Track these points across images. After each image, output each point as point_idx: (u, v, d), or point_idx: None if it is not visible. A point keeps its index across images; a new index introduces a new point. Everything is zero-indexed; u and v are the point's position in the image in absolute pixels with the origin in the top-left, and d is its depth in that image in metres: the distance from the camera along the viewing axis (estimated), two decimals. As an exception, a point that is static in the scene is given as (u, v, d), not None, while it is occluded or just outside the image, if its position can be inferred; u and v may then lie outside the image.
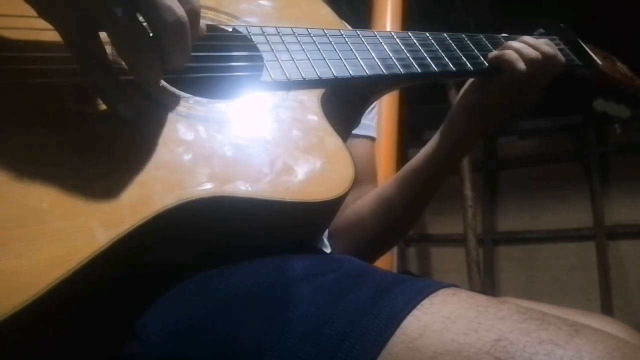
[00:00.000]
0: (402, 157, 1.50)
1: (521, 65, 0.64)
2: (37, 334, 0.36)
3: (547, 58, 0.66)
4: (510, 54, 0.65)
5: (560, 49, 0.71)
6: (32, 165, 0.39)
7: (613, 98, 0.75)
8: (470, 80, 0.71)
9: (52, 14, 0.40)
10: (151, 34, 0.41)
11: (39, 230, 0.36)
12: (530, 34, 0.75)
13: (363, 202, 0.79)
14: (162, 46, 0.41)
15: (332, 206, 0.47)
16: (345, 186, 0.46)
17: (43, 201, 0.37)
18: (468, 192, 2.46)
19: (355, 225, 0.77)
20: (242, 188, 0.43)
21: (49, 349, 0.38)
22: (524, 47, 0.66)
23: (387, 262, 1.42)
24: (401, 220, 0.77)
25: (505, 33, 0.74)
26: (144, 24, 0.41)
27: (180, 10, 0.40)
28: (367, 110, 0.82)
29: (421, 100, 2.61)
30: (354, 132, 0.80)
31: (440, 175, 0.73)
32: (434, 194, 0.75)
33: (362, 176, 0.82)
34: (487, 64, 0.65)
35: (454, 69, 0.62)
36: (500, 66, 0.65)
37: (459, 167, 2.42)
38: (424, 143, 0.74)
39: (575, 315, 0.57)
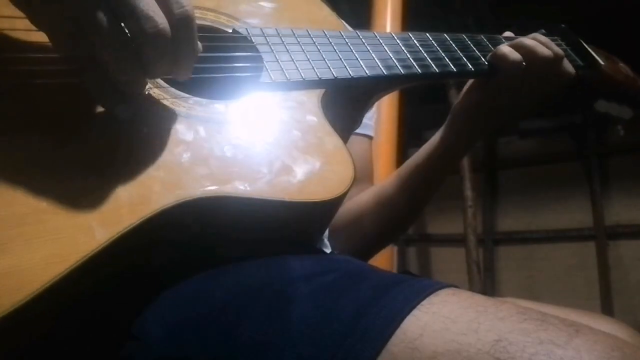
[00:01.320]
0: (402, 157, 1.49)
1: (515, 56, 0.63)
2: (34, 333, 0.36)
3: (542, 55, 0.64)
4: (503, 48, 0.64)
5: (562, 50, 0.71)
6: (32, 164, 0.39)
7: (615, 99, 0.74)
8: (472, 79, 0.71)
9: (37, 19, 0.39)
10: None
11: (38, 229, 0.36)
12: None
13: (361, 199, 0.78)
14: (142, 55, 0.40)
15: (331, 206, 0.47)
16: (344, 186, 0.46)
17: (42, 200, 0.37)
18: (468, 192, 2.46)
19: (354, 222, 0.77)
20: (241, 188, 0.43)
21: (46, 349, 0.38)
22: (519, 44, 0.65)
23: (387, 262, 1.42)
24: (401, 217, 0.78)
25: (509, 31, 0.73)
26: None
27: (161, 20, 0.39)
28: None
29: (421, 100, 2.61)
30: None
31: (441, 172, 0.73)
32: (435, 192, 0.75)
33: (359, 174, 0.81)
34: (487, 65, 0.65)
35: (454, 69, 0.62)
36: (496, 63, 0.65)
37: (459, 166, 2.42)
38: (424, 143, 0.74)
39: (575, 315, 0.57)
